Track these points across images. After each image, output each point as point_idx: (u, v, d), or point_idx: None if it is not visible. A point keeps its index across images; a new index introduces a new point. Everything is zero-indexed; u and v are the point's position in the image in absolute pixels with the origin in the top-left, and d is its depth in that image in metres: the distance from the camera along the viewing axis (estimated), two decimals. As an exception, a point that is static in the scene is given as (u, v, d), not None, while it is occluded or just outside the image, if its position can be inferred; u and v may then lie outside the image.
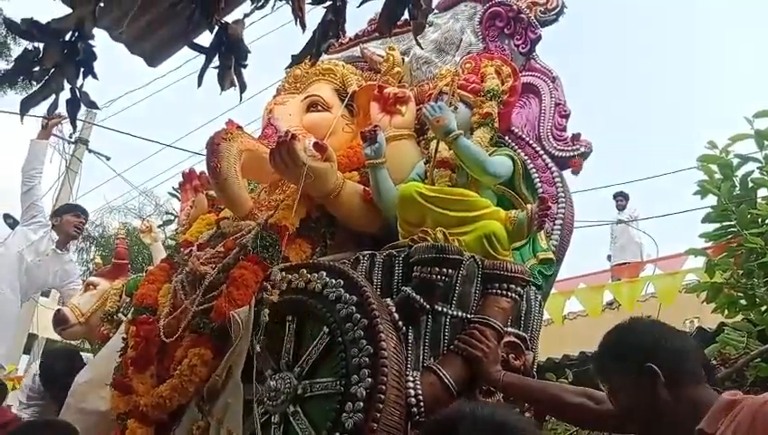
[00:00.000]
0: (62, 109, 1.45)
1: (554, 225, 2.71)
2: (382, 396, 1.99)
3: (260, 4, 1.56)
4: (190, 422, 2.42)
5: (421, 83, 3.24)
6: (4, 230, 4.88)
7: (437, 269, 2.27)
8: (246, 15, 1.57)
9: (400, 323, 2.23)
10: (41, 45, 1.37)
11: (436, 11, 3.52)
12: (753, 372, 3.17)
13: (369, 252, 2.49)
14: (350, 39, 3.67)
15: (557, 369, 4.15)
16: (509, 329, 2.37)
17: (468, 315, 2.34)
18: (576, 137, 2.90)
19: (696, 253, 4.03)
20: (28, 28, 1.35)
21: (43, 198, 4.93)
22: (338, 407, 2.06)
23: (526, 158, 2.85)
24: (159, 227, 6.42)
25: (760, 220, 3.48)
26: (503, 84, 2.90)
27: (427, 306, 2.27)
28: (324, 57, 2.87)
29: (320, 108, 3.16)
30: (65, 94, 1.42)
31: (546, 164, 2.84)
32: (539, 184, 2.78)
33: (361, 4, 1.53)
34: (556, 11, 3.22)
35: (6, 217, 5.27)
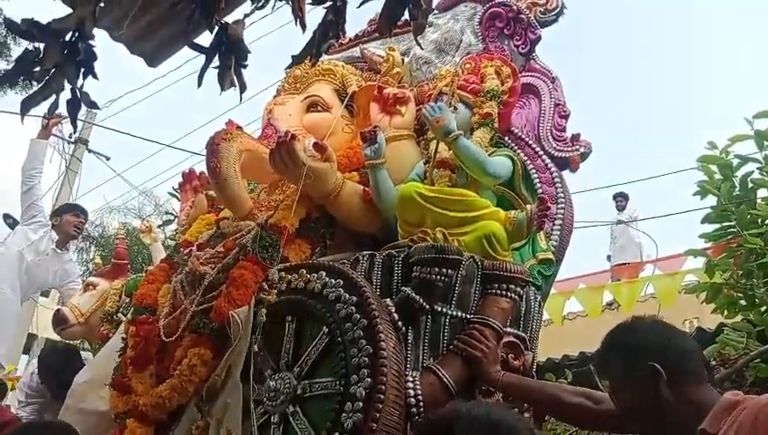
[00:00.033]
0: (62, 109, 1.45)
1: (554, 225, 2.71)
2: (381, 396, 1.99)
3: (260, 4, 1.56)
4: (189, 422, 2.42)
5: (421, 84, 3.24)
6: (4, 230, 4.89)
7: (437, 269, 2.28)
8: (246, 15, 1.57)
9: (400, 323, 2.23)
10: (41, 45, 1.37)
11: (435, 11, 3.52)
12: (753, 372, 3.18)
13: (369, 252, 2.49)
14: (350, 39, 3.67)
15: (556, 369, 4.16)
16: (508, 329, 2.38)
17: (468, 316, 2.34)
18: (576, 137, 2.90)
19: (695, 253, 4.04)
20: (28, 28, 1.36)
21: (42, 198, 4.93)
22: (337, 407, 2.06)
23: (526, 158, 2.85)
24: (159, 227, 6.43)
25: (759, 221, 3.49)
26: (502, 85, 2.90)
27: (427, 306, 2.27)
28: (324, 57, 2.88)
29: (319, 108, 3.16)
30: (66, 94, 1.42)
31: (546, 164, 2.84)
32: (538, 184, 2.78)
33: (361, 4, 1.53)
34: (556, 11, 3.22)
35: (6, 216, 5.27)
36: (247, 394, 2.29)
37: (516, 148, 2.89)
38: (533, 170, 2.83)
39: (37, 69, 1.37)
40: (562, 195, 2.77)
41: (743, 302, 3.52)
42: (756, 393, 1.71)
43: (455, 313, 2.32)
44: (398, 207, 2.60)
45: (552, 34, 3.24)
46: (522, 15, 3.19)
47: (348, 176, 2.80)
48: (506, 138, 2.94)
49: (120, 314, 3.64)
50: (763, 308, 3.41)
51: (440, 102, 2.74)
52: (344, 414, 2.02)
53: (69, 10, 1.41)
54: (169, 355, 2.55)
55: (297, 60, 1.58)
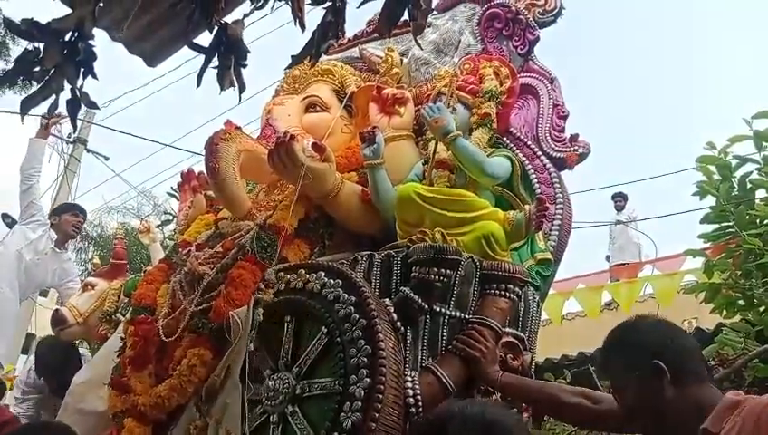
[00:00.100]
0: (61, 108, 1.45)
1: (552, 225, 2.72)
2: (380, 396, 1.99)
3: (259, 4, 1.56)
4: (188, 422, 2.42)
5: (420, 84, 3.25)
6: (3, 229, 4.89)
7: (436, 270, 2.28)
8: (246, 16, 1.57)
9: (399, 323, 2.23)
10: (41, 45, 1.37)
11: (434, 12, 3.53)
12: (752, 372, 3.18)
13: (368, 252, 2.49)
14: (349, 40, 3.67)
15: (555, 369, 4.17)
16: (507, 329, 2.38)
17: (466, 316, 2.34)
18: (574, 137, 2.91)
19: (694, 253, 4.04)
20: (28, 28, 1.36)
21: (41, 198, 4.93)
22: (336, 407, 2.06)
23: (524, 158, 2.86)
24: (158, 227, 6.43)
25: (758, 221, 3.49)
26: (501, 85, 2.91)
27: (426, 307, 2.27)
28: (323, 58, 2.87)
29: (318, 108, 3.16)
30: (65, 94, 1.42)
31: (544, 165, 2.84)
32: (537, 185, 2.79)
33: (361, 4, 1.53)
34: (554, 12, 3.22)
35: (5, 216, 5.28)
36: (243, 394, 2.29)
37: (515, 148, 2.90)
38: (532, 171, 2.83)
39: (37, 69, 1.37)
40: (561, 195, 2.77)
41: (741, 302, 3.52)
42: (755, 393, 1.71)
43: (453, 313, 2.33)
44: (396, 208, 2.60)
45: (550, 35, 3.26)
46: (520, 16, 3.19)
47: (347, 176, 2.81)
48: (505, 138, 2.95)
49: (118, 314, 3.63)
50: (761, 308, 3.42)
51: (439, 103, 2.74)
52: (343, 414, 2.02)
53: (68, 10, 1.41)
54: (168, 355, 2.55)
55: (296, 60, 1.58)
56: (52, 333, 3.95)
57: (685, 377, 1.66)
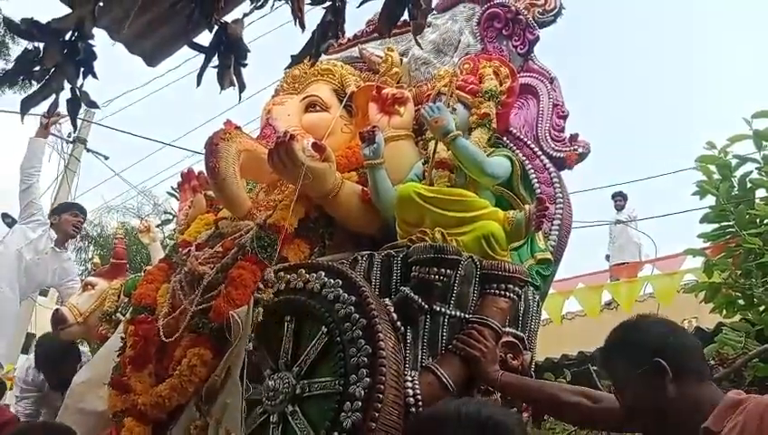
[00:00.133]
0: (61, 108, 1.45)
1: (552, 225, 2.72)
2: (380, 396, 1.99)
3: (259, 3, 1.56)
4: (188, 421, 2.42)
5: (419, 84, 3.25)
6: (3, 229, 4.89)
7: (436, 269, 2.28)
8: (246, 15, 1.57)
9: (399, 323, 2.23)
10: (41, 45, 1.37)
11: (434, 12, 3.53)
12: (752, 372, 3.18)
13: (368, 252, 2.49)
14: (349, 40, 3.67)
15: (555, 369, 4.17)
16: (507, 329, 2.38)
17: (466, 315, 2.34)
18: (574, 137, 2.91)
19: (694, 253, 4.04)
20: (28, 28, 1.36)
21: (41, 197, 4.93)
22: (336, 406, 2.06)
23: (524, 158, 2.86)
24: (158, 226, 6.43)
25: (758, 221, 3.49)
26: (501, 85, 2.91)
27: (426, 306, 2.27)
28: (323, 58, 2.88)
29: (318, 108, 3.16)
30: (65, 94, 1.42)
31: (544, 165, 2.84)
32: (537, 185, 2.79)
33: (361, 4, 1.53)
34: (554, 12, 3.22)
35: (5, 215, 5.28)
36: (241, 393, 2.29)
37: (515, 148, 2.90)
38: (532, 171, 2.83)
39: (37, 68, 1.37)
40: (561, 195, 2.78)
41: (741, 301, 3.52)
42: (755, 393, 1.71)
43: (453, 312, 2.33)
44: (396, 208, 2.60)
45: (550, 35, 3.25)
46: (520, 16, 3.19)
47: (346, 176, 2.81)
48: (505, 138, 2.95)
49: (118, 314, 3.64)
50: (761, 308, 3.42)
51: (439, 103, 2.74)
52: (343, 414, 2.02)
53: (68, 10, 1.41)
54: (168, 355, 2.55)
55: (296, 60, 1.58)
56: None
57: (686, 375, 1.66)
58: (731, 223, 3.53)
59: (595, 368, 3.22)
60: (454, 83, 2.89)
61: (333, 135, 3.02)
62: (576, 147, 2.87)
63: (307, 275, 2.35)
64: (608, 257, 9.66)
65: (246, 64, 1.54)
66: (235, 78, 1.53)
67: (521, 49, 3.18)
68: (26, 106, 1.40)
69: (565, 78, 3.15)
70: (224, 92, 1.52)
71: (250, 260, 2.51)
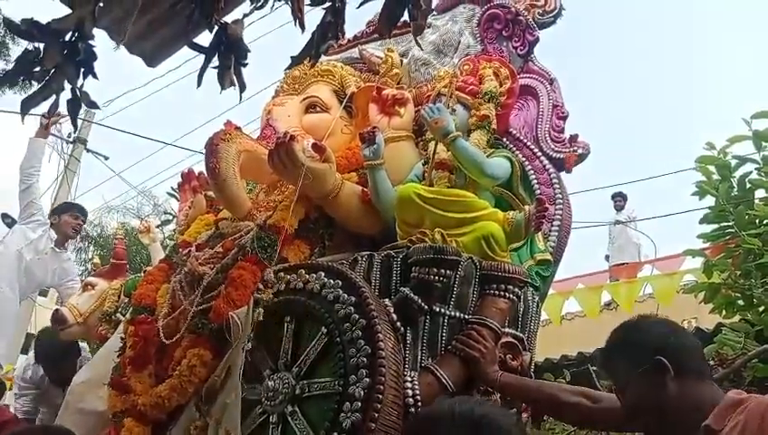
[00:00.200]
0: (61, 108, 1.45)
1: (552, 226, 2.72)
2: (380, 396, 2.00)
3: (259, 4, 1.56)
4: (188, 422, 2.42)
5: (419, 85, 3.25)
6: (2, 229, 4.89)
7: (435, 270, 2.28)
8: (246, 15, 1.57)
9: (398, 323, 2.23)
10: (41, 45, 1.37)
11: (434, 13, 3.53)
12: (751, 372, 3.18)
13: (368, 253, 2.49)
14: (349, 40, 3.67)
15: (555, 369, 4.16)
16: (506, 330, 2.38)
17: (466, 316, 2.34)
18: (574, 138, 2.91)
19: (693, 253, 4.04)
20: (28, 28, 1.36)
21: (41, 198, 4.93)
22: (336, 407, 2.06)
23: (524, 159, 2.86)
24: (158, 227, 6.42)
25: (758, 221, 3.49)
26: (501, 86, 2.91)
27: (425, 307, 2.27)
28: (323, 58, 2.88)
29: (318, 109, 3.16)
30: (65, 94, 1.42)
31: (544, 166, 2.84)
32: (536, 185, 2.79)
33: (361, 5, 1.53)
34: (554, 13, 3.22)
35: (5, 216, 5.28)
36: (247, 395, 2.29)
37: (514, 149, 2.90)
38: (531, 171, 2.83)
39: (37, 69, 1.37)
40: (560, 196, 2.78)
41: (741, 302, 3.52)
42: (755, 393, 1.71)
43: (453, 313, 2.33)
44: (396, 208, 2.60)
45: (550, 36, 3.26)
46: (520, 17, 3.19)
47: (347, 177, 2.81)
48: (505, 139, 2.95)
49: (118, 314, 3.64)
50: (761, 308, 3.42)
51: (439, 104, 2.75)
52: (343, 414, 2.02)
53: (68, 10, 1.41)
54: (168, 355, 2.55)
55: (296, 61, 1.58)
56: (54, 336, 3.95)
57: (687, 374, 1.66)
58: (730, 223, 3.52)
59: (594, 368, 3.22)
60: (454, 84, 2.89)
61: (333, 136, 3.03)
62: (576, 148, 2.87)
63: (307, 276, 2.35)
64: (607, 258, 9.67)
65: (246, 65, 1.54)
66: (235, 78, 1.53)
67: (521, 50, 3.19)
68: (26, 106, 1.40)
69: (565, 79, 3.16)
70: (224, 93, 1.53)
71: (250, 261, 2.51)
